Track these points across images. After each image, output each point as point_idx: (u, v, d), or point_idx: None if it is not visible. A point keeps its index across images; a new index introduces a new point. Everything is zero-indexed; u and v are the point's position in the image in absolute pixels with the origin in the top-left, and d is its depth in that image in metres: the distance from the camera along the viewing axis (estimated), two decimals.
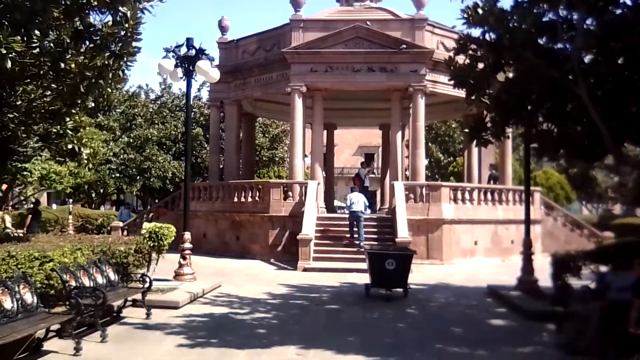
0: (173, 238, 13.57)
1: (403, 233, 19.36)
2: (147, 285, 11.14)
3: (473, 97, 11.87)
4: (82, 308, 8.79)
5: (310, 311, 12.06)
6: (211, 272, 17.98)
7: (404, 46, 22.54)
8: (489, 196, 23.64)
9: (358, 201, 20.52)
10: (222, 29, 26.89)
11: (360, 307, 12.48)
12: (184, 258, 14.80)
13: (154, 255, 13.49)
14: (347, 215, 21.45)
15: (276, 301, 13.09)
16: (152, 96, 45.67)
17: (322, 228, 20.87)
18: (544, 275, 14.01)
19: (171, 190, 38.60)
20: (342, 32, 22.91)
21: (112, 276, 10.94)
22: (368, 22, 23.01)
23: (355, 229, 20.36)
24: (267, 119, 43.78)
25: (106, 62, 10.29)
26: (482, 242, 23.04)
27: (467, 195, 22.88)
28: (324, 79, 23.26)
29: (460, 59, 12.30)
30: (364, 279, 16.94)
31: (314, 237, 19.58)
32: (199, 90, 43.92)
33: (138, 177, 39.85)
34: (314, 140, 23.95)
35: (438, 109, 28.07)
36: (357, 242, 20.09)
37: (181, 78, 14.82)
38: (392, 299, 13.30)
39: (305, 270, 18.69)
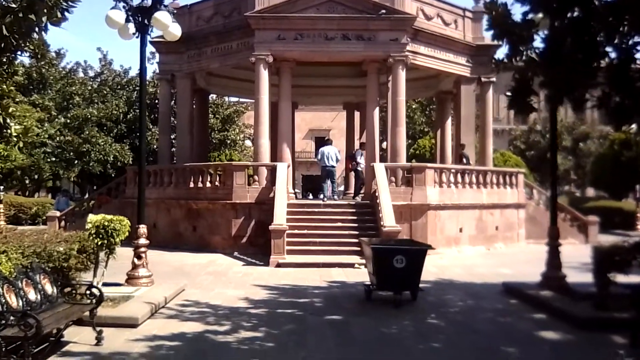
0: (127, 234, 10.74)
1: (390, 221, 16.94)
2: (96, 299, 8.31)
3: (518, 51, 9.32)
4: (2, 345, 5.99)
5: (308, 325, 9.45)
6: (169, 270, 15.22)
7: (384, 11, 20.02)
8: (473, 179, 21.45)
9: (329, 155, 20.62)
10: None
11: (369, 317, 9.95)
12: (139, 257, 11.97)
13: (102, 255, 10.62)
14: (318, 202, 20.15)
15: (260, 311, 10.43)
16: (91, 73, 41.96)
17: (294, 216, 18.23)
18: (538, 267, 13.02)
19: (113, 175, 35.27)
20: None
21: (49, 289, 8.05)
22: None
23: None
24: (217, 99, 40.86)
25: None
26: (467, 229, 20.89)
27: (452, 178, 20.63)
28: (293, 47, 20.51)
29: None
30: (352, 275, 14.67)
31: (287, 227, 16.90)
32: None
33: (76, 162, 36.34)
34: (281, 117, 21.24)
35: (408, 86, 25.74)
36: (330, 197, 20.60)
37: (134, 34, 11.90)
38: (402, 304, 10.83)
39: (279, 265, 16.07)
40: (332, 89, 29.21)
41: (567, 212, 25.57)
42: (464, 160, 23.87)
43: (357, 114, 30.97)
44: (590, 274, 10.86)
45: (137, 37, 11.96)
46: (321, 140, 69.05)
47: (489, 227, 21.73)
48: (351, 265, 15.90)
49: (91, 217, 10.63)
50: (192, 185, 20.74)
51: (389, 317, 9.92)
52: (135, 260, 11.98)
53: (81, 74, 41.41)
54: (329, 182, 21.23)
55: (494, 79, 24.27)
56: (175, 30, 12.07)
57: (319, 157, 21.28)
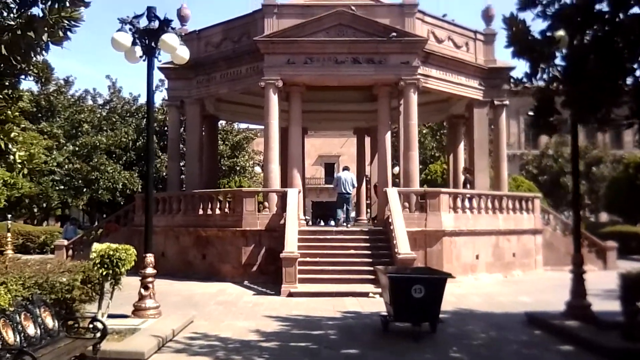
0: (133, 264, 10.30)
1: (404, 248, 16.42)
2: (99, 333, 7.85)
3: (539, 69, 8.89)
4: None
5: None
6: (177, 300, 14.75)
7: (394, 34, 19.71)
8: (489, 204, 20.93)
9: (346, 181, 20.72)
10: (182, 18, 23.51)
11: (387, 352, 9.41)
12: (146, 288, 11.51)
13: (107, 286, 10.18)
14: (330, 229, 19.36)
15: (272, 344, 9.92)
16: (100, 101, 41.89)
17: (306, 243, 17.77)
18: (558, 295, 12.87)
19: (122, 203, 34.90)
20: (323, 18, 19.97)
21: (50, 322, 7.61)
22: (352, 7, 20.10)
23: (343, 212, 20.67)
24: (227, 125, 40.65)
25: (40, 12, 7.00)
26: (484, 256, 20.32)
27: (467, 203, 20.12)
28: (303, 71, 20.22)
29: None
30: (366, 305, 14.15)
31: (298, 254, 16.41)
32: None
33: (85, 190, 36.04)
34: (291, 142, 20.85)
35: (419, 110, 25.38)
36: (344, 224, 20.40)
37: (141, 57, 11.61)
38: (421, 337, 10.28)
39: (291, 295, 15.55)
40: (342, 114, 28.90)
41: (584, 237, 24.83)
42: (468, 185, 23.46)
43: (367, 139, 30.56)
44: (614, 302, 10.37)
45: (144, 60, 11.66)
46: (331, 167, 69.50)
47: (505, 254, 21.15)
48: (365, 295, 15.37)
49: (96, 246, 10.20)
50: (201, 212, 20.34)
51: (408, 351, 9.39)
52: (142, 290, 11.52)
53: (90, 102, 41.34)
54: (345, 208, 21.10)
55: (507, 102, 23.87)
56: (183, 53, 11.74)
57: (335, 183, 21.44)
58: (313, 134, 39.31)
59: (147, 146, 11.77)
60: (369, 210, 30.42)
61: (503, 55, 27.43)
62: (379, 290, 15.47)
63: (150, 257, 11.58)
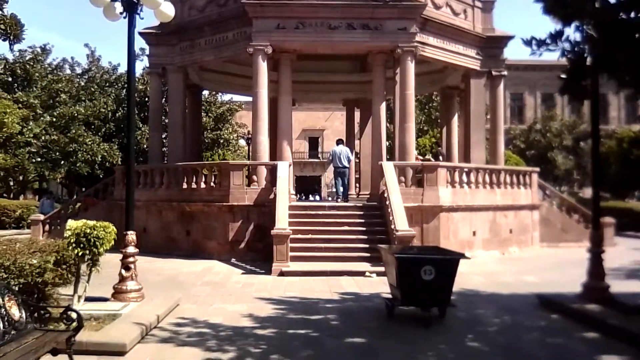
0: (112, 243, 9.23)
1: (402, 224, 15.52)
2: (74, 324, 6.81)
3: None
4: None
5: (328, 350, 7.98)
6: (161, 280, 13.78)
7: None
8: (487, 178, 20.05)
9: (341, 156, 20.25)
10: None
11: (397, 340, 8.48)
12: (127, 268, 10.45)
13: (83, 268, 9.12)
14: (322, 204, 18.52)
15: (268, 332, 8.95)
16: (79, 70, 40.27)
17: (297, 219, 16.80)
18: (563, 273, 12.71)
19: (101, 176, 33.61)
20: None
21: (17, 313, 6.53)
22: None
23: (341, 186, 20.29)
24: (210, 97, 39.35)
25: None
26: (481, 232, 19.53)
27: (464, 178, 19.23)
28: (294, 37, 19.07)
29: None
30: (364, 285, 13.27)
31: (290, 231, 15.41)
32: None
33: (62, 162, 34.61)
34: (281, 113, 19.78)
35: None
36: (341, 199, 20.00)
37: (121, 14, 10.44)
38: (431, 323, 9.37)
39: (282, 274, 14.59)
40: (331, 85, 27.90)
41: (581, 213, 24.20)
42: (440, 159, 22.64)
43: (357, 112, 29.54)
44: (627, 282, 9.58)
45: (124, 17, 10.49)
46: (315, 141, 68.50)
47: (502, 230, 20.37)
48: (361, 274, 14.48)
49: (70, 224, 9.11)
50: (185, 186, 19.26)
51: (420, 340, 8.47)
52: (123, 271, 10.47)
53: (68, 71, 39.68)
54: (341, 182, 20.42)
55: (505, 73, 22.91)
56: (167, 9, 10.58)
57: (330, 157, 20.90)
58: (296, 108, 38.04)
59: (128, 113, 10.64)
60: (357, 185, 29.50)
61: (501, 24, 26.21)
62: (376, 269, 14.66)
63: (131, 235, 10.52)
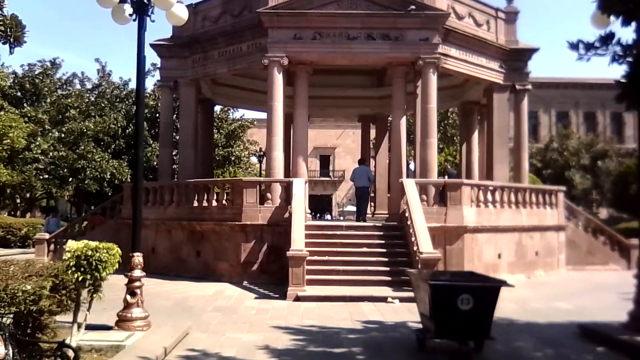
0: (116, 266, 8.32)
1: (426, 246, 14.52)
2: None
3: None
4: None
5: None
6: (168, 305, 12.87)
7: (413, 7, 17.79)
8: (512, 197, 19.06)
9: (362, 175, 19.91)
10: None
11: None
12: (133, 294, 9.55)
13: (84, 294, 8.20)
14: (340, 223, 18.23)
15: None
16: (89, 85, 39.63)
17: (313, 240, 15.80)
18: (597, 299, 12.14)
19: (109, 194, 32.77)
20: None
21: (2, 351, 5.66)
22: None
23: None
24: (221, 113, 38.61)
25: None
26: (506, 255, 18.51)
27: (489, 197, 18.24)
28: (311, 48, 18.26)
29: None
30: (387, 313, 12.29)
31: (307, 253, 14.45)
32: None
33: (70, 179, 33.79)
34: (296, 128, 18.93)
35: None
36: (360, 218, 19.45)
37: (130, 16, 9.63)
38: (469, 358, 8.39)
39: (298, 299, 13.62)
40: (347, 100, 27.21)
41: (607, 234, 23.15)
42: (446, 177, 21.76)
43: (372, 128, 28.72)
44: None
45: (134, 19, 9.68)
46: (326, 159, 67.66)
47: (528, 253, 19.34)
48: (383, 300, 13.49)
49: (70, 244, 8.18)
50: (196, 204, 18.39)
51: None
52: (128, 297, 9.56)
53: (78, 86, 39.03)
54: (360, 201, 20.12)
55: (529, 87, 21.97)
56: (180, 11, 9.76)
57: (352, 177, 20.57)
58: (308, 125, 37.41)
59: (136, 123, 9.79)
60: (372, 204, 28.54)
61: (524, 37, 25.08)
62: (398, 294, 13.71)
63: (138, 258, 9.61)
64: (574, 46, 8.52)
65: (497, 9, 21.50)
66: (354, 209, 57.42)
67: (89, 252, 7.88)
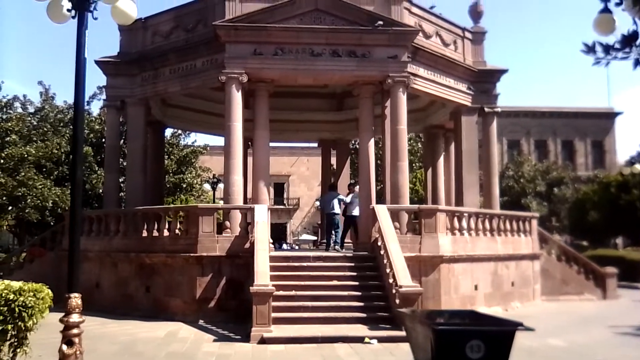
0: (47, 312, 6.64)
1: (405, 279, 13.13)
2: None
3: None
4: None
5: None
6: (114, 351, 11.15)
7: (381, 22, 16.63)
8: (487, 224, 17.95)
9: (330, 201, 18.60)
10: None
11: None
12: (70, 343, 7.75)
13: (5, 350, 6.50)
14: (307, 254, 16.79)
15: None
16: (31, 109, 37.29)
17: (277, 273, 14.23)
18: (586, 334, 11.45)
19: (52, 224, 30.48)
20: (297, 1, 16.75)
21: None
22: None
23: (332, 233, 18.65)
24: (172, 138, 36.82)
25: None
26: (482, 286, 17.38)
27: (464, 224, 17.08)
28: (272, 64, 16.86)
29: None
30: (367, 356, 10.82)
31: (273, 288, 12.87)
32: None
33: (10, 208, 31.31)
34: (257, 150, 17.43)
35: None
36: (336, 247, 17.98)
37: (69, 12, 8.07)
38: None
39: (264, 341, 12.01)
40: (306, 124, 25.92)
41: (582, 263, 22.25)
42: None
43: (332, 153, 27.46)
44: None
45: (73, 16, 8.13)
46: (280, 187, 66.16)
47: (505, 283, 18.25)
48: (360, 340, 12.02)
49: None
50: (145, 234, 16.69)
51: None
52: (65, 348, 7.75)
53: (20, 109, 36.65)
54: (333, 230, 18.67)
55: (498, 110, 21.06)
56: (127, 7, 8.24)
57: (321, 204, 19.94)
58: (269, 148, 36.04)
59: (74, 139, 8.15)
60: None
61: (490, 58, 24.02)
62: (375, 333, 12.32)
63: (76, 299, 7.87)
64: (590, 49, 7.38)
65: (464, 28, 20.62)
66: (309, 237, 56.46)
67: (11, 296, 6.24)
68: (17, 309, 6.33)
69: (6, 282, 6.61)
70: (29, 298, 6.45)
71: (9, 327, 6.35)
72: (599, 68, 7.15)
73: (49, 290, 6.83)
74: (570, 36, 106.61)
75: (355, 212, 18.13)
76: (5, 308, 6.30)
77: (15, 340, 6.52)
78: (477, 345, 6.87)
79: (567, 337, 13.11)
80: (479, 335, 6.96)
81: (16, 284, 6.51)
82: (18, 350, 6.56)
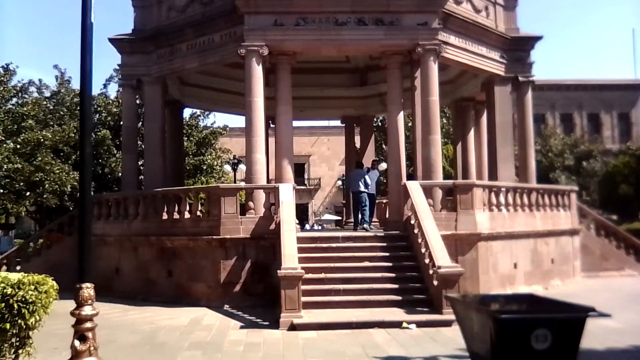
0: (52, 307, 5.84)
1: (444, 259, 12.25)
2: None
3: None
4: None
5: None
6: (134, 341, 10.41)
7: None
8: (525, 199, 16.96)
9: (355, 180, 18.01)
10: None
11: None
12: (83, 338, 7.00)
13: (5, 350, 5.71)
14: (335, 234, 15.68)
15: None
16: (47, 93, 36.73)
17: (305, 255, 13.40)
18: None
19: (71, 208, 30.00)
20: None
21: None
22: None
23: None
24: (192, 119, 36.11)
25: None
26: (522, 264, 16.43)
27: (501, 199, 16.09)
28: (295, 36, 15.91)
29: None
30: (407, 343, 10.08)
31: (303, 272, 12.03)
32: (105, 85, 35.84)
33: (27, 193, 30.80)
34: (280, 127, 16.56)
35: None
36: (364, 226, 17.17)
37: None
38: None
39: (294, 328, 11.21)
40: (329, 101, 24.95)
41: (622, 237, 21.16)
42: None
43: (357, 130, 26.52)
44: None
45: None
46: (301, 167, 65.24)
47: (544, 261, 17.27)
48: (397, 325, 11.17)
49: None
50: (166, 216, 15.93)
51: None
52: (77, 343, 6.99)
53: (35, 94, 36.06)
54: (360, 209, 17.73)
55: (533, 78, 19.92)
56: None
57: (346, 182, 19.13)
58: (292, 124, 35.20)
59: (81, 110, 7.29)
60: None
61: (524, 26, 22.56)
62: (413, 317, 11.47)
63: (88, 290, 7.08)
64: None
65: None
66: (331, 217, 55.62)
67: (8, 290, 5.42)
68: (16, 305, 5.53)
69: (3, 274, 5.82)
70: (30, 292, 5.64)
71: (8, 325, 5.56)
72: (625, 39, 5.96)
73: (54, 282, 6.03)
74: (594, 5, 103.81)
75: (372, 189, 17.64)
76: (3, 304, 5.50)
77: (17, 340, 5.73)
78: (544, 335, 6.05)
79: (620, 317, 12.10)
80: (546, 323, 6.07)
81: (15, 276, 5.72)
82: (20, 351, 5.77)
